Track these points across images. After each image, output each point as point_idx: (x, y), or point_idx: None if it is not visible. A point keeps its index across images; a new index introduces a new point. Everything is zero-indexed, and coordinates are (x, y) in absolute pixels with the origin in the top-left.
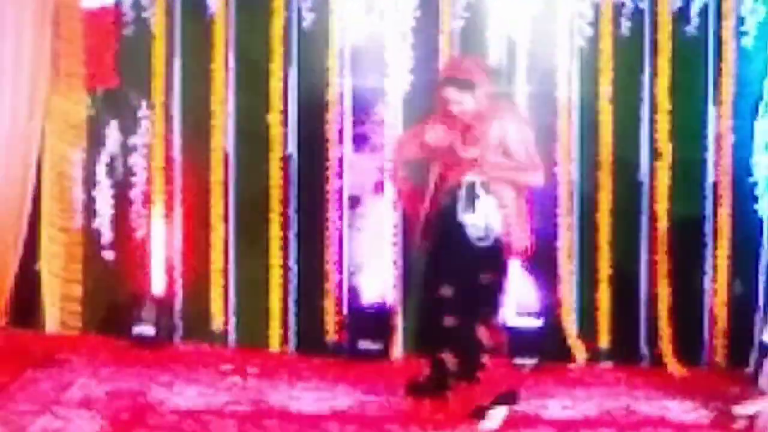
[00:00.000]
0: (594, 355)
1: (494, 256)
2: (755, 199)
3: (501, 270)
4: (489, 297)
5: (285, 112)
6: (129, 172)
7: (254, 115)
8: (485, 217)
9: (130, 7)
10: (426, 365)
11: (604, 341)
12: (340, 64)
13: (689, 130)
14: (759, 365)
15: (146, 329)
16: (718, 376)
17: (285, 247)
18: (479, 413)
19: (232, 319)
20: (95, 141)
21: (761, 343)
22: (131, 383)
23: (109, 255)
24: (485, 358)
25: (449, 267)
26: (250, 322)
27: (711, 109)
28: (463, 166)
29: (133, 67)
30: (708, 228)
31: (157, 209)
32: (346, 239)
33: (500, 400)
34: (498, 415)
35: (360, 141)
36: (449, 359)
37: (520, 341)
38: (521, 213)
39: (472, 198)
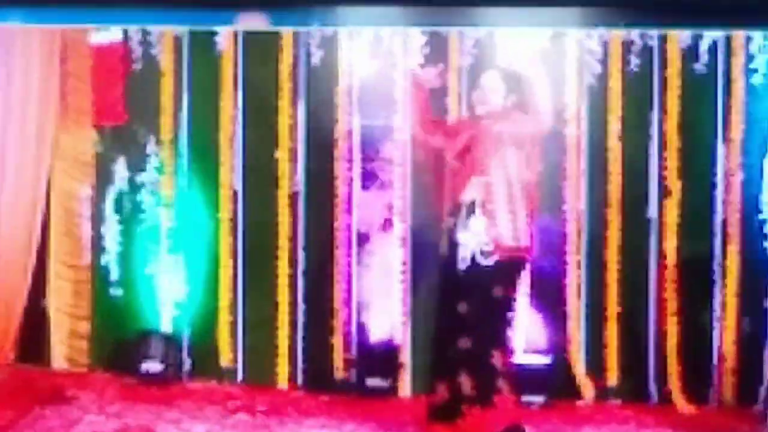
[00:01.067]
0: (602, 392)
1: (504, 271)
2: (764, 237)
3: (512, 284)
4: (502, 314)
5: (293, 149)
6: (137, 208)
7: (262, 151)
8: (483, 235)
9: (138, 43)
10: (444, 389)
11: (612, 379)
12: (348, 101)
13: (698, 168)
14: None
15: (154, 366)
16: (727, 414)
17: (293, 284)
18: None
19: (240, 356)
20: (103, 178)
21: None
22: (139, 420)
23: (117, 292)
24: (501, 383)
25: (463, 284)
26: (258, 359)
27: (720, 147)
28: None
29: (141, 104)
30: (717, 266)
31: (165, 246)
32: (355, 276)
33: None
34: None
35: (368, 178)
36: (465, 383)
37: (528, 378)
38: (520, 216)
39: (469, 215)
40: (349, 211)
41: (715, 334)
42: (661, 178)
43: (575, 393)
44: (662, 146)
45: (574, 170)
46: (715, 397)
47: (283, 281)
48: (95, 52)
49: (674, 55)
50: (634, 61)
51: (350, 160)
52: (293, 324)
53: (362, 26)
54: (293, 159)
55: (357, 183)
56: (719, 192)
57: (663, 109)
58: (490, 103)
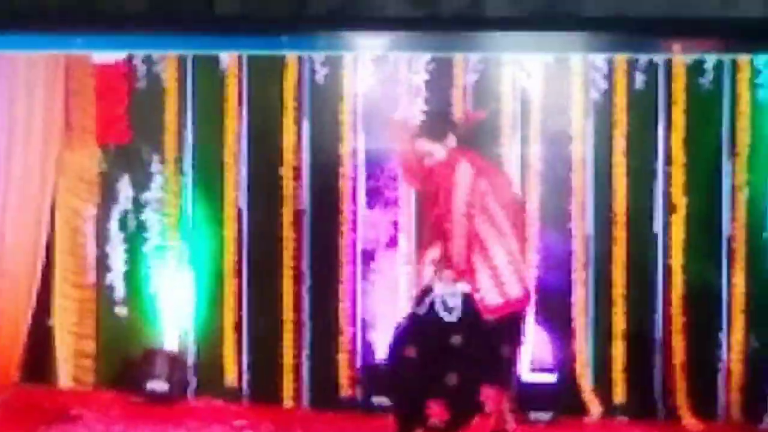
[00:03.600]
0: (609, 409)
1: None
2: None
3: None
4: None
5: (298, 167)
6: (141, 227)
7: (267, 169)
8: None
9: (142, 61)
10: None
11: (619, 396)
12: (353, 118)
13: (704, 184)
14: None
15: (159, 385)
16: (734, 431)
17: (298, 302)
18: None
19: (246, 375)
20: (108, 196)
21: None
22: None
23: (122, 310)
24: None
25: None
26: (263, 377)
27: (726, 163)
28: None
29: (144, 122)
30: (723, 281)
31: (170, 264)
32: (360, 294)
33: None
34: None
35: (373, 196)
36: (436, 413)
37: (534, 396)
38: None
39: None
40: (354, 229)
41: (722, 350)
42: (667, 194)
43: (582, 410)
44: (668, 162)
45: (579, 186)
46: (721, 414)
47: (288, 299)
48: (99, 71)
49: (679, 70)
50: (640, 77)
51: (355, 178)
52: (298, 342)
53: (365, 51)
54: (298, 177)
55: (362, 200)
56: (725, 208)
57: (668, 125)
58: (433, 161)
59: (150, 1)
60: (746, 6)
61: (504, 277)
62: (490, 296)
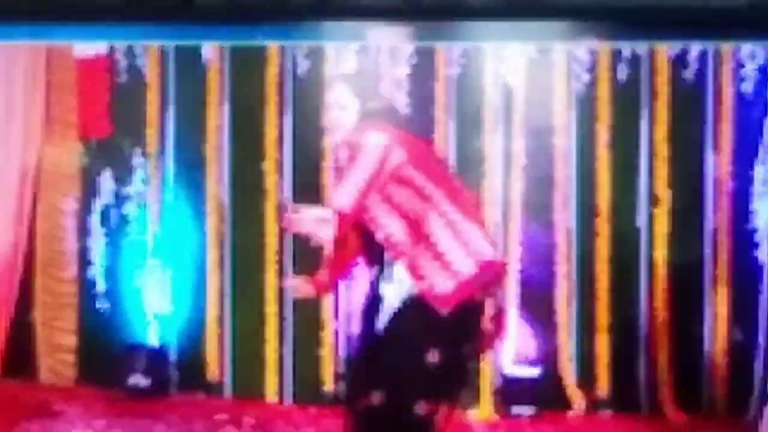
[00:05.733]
0: (593, 403)
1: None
2: (755, 246)
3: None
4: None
5: (280, 160)
6: (123, 221)
7: (249, 163)
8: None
9: (123, 55)
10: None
11: (603, 389)
12: None
13: (688, 177)
14: (759, 413)
15: (141, 380)
16: (718, 424)
17: (281, 297)
18: None
19: (228, 369)
20: (89, 190)
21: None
22: None
23: (103, 305)
24: None
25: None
26: (246, 372)
27: (709, 156)
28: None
29: (126, 116)
30: (707, 275)
31: (152, 259)
32: (343, 288)
33: None
34: None
35: None
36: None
37: (518, 390)
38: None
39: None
40: None
41: (706, 343)
42: (651, 187)
43: (566, 404)
44: (651, 155)
45: (562, 180)
46: (706, 407)
47: (270, 293)
48: (80, 65)
49: (663, 63)
50: (623, 70)
51: (337, 171)
52: (281, 336)
53: (348, 42)
54: (280, 170)
55: None
56: (709, 201)
57: (652, 118)
58: (342, 124)
59: None
60: None
61: (450, 254)
62: (439, 283)
